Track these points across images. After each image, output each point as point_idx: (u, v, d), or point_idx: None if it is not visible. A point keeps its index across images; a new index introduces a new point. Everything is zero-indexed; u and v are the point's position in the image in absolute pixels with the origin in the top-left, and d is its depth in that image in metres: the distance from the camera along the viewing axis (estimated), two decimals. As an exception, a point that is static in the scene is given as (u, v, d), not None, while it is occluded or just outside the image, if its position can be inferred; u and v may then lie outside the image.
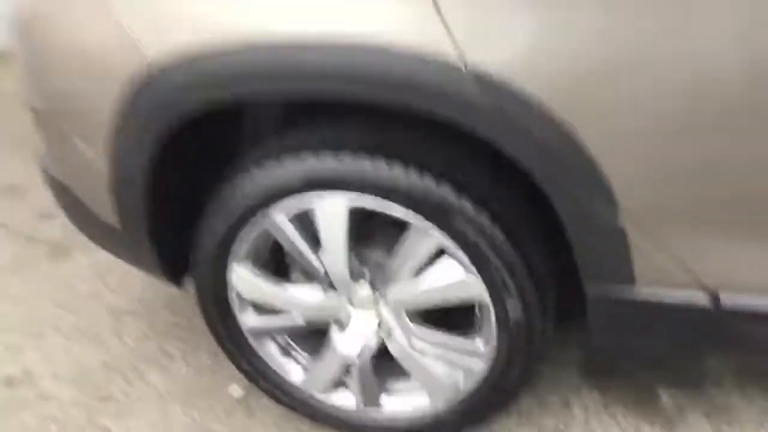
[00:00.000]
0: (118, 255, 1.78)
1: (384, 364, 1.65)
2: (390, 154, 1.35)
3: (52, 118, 1.55)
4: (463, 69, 1.15)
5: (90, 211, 1.62)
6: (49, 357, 2.12)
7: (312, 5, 1.21)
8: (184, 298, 2.25)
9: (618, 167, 1.19)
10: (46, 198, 2.76)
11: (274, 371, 1.69)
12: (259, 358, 1.68)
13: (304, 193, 1.40)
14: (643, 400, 1.73)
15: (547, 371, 1.82)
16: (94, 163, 1.51)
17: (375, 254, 1.52)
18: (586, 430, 1.69)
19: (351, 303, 1.56)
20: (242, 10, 1.23)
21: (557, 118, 1.15)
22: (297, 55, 1.21)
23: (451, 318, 1.57)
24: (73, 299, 2.34)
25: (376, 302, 1.55)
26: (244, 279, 1.56)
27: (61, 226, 2.65)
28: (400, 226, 1.44)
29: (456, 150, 1.38)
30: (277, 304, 1.59)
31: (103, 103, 1.39)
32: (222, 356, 2.00)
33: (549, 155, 1.20)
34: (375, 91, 1.22)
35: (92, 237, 1.79)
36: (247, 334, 1.65)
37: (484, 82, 1.15)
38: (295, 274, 1.64)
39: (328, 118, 1.41)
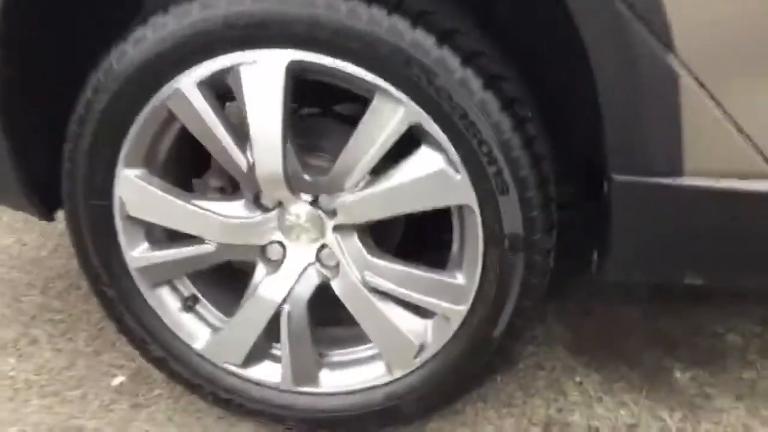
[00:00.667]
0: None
1: (321, 334, 1.23)
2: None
3: None
4: None
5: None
6: None
7: None
8: (63, 277, 1.78)
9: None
10: None
11: (171, 333, 1.23)
12: (152, 312, 1.22)
13: (225, 51, 1.01)
14: (656, 381, 1.34)
15: (529, 351, 1.42)
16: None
17: (318, 161, 1.13)
18: (587, 416, 1.28)
19: (282, 228, 1.15)
20: None
21: None
22: None
23: (416, 253, 1.18)
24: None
25: (315, 224, 1.13)
26: (137, 189, 1.12)
27: None
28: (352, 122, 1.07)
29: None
30: (183, 225, 1.15)
31: None
32: (102, 342, 1.55)
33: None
34: None
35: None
36: (137, 279, 1.20)
37: None
38: (205, 191, 1.22)
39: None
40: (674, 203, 0.98)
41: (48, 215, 1.29)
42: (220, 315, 1.26)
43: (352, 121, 1.06)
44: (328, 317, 1.32)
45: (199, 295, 1.25)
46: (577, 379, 1.36)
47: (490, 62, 1.00)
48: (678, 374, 1.36)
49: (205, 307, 1.26)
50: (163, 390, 1.40)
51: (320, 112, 1.20)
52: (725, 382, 1.34)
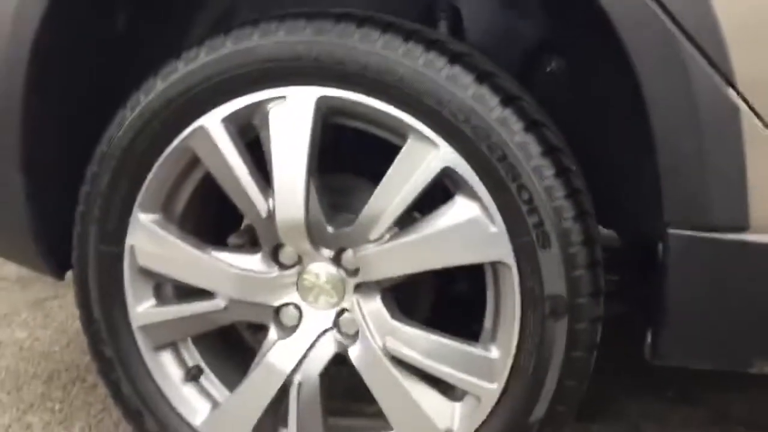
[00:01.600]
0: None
1: (337, 421, 1.10)
2: (383, 25, 0.95)
3: None
4: None
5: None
6: None
7: None
8: (71, 370, 1.67)
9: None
10: None
11: (170, 405, 1.10)
12: (150, 381, 1.11)
13: (251, 90, 0.98)
14: None
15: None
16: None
17: (343, 219, 1.05)
18: None
19: (300, 289, 1.05)
20: None
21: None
22: None
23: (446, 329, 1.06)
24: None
25: (335, 286, 1.04)
26: (151, 235, 1.05)
27: None
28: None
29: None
30: (197, 277, 1.06)
31: None
32: (97, 430, 1.42)
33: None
34: None
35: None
36: (139, 339, 1.10)
37: None
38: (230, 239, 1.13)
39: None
40: (740, 264, 0.87)
41: (59, 274, 1.22)
42: (226, 391, 1.13)
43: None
44: (342, 409, 1.20)
45: (205, 367, 1.14)
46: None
47: (531, 107, 0.94)
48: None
49: (210, 381, 1.14)
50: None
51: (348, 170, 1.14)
52: None
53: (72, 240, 1.12)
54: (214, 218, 1.18)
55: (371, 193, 0.98)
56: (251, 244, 1.11)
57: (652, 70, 0.84)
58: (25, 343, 1.85)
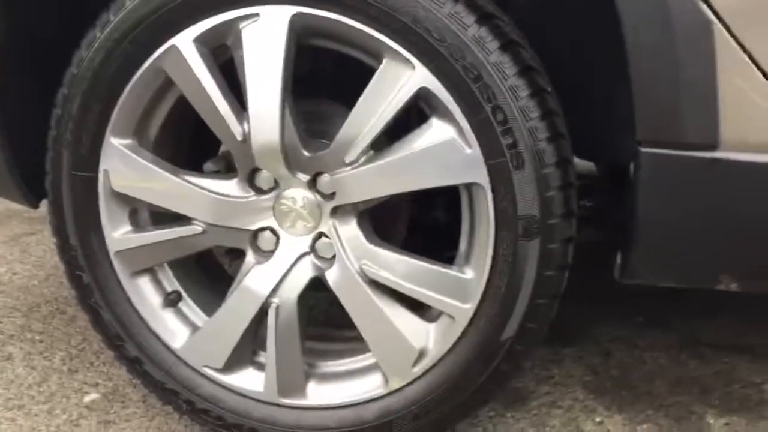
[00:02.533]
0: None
1: (315, 345, 1.12)
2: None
3: None
4: None
5: None
6: None
7: None
8: (50, 302, 1.68)
9: None
10: None
11: (149, 329, 1.11)
12: (129, 306, 1.11)
13: (224, 9, 0.96)
14: (686, 426, 1.18)
15: (544, 390, 1.28)
16: None
17: (318, 145, 1.05)
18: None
19: (278, 214, 1.06)
20: None
21: None
22: None
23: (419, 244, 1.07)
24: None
25: (311, 211, 1.04)
26: (125, 160, 1.05)
27: None
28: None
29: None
30: (172, 202, 1.06)
31: None
32: (78, 362, 1.43)
33: None
34: None
35: None
36: (116, 265, 1.10)
37: None
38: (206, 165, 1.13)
39: None
40: (709, 183, 0.89)
41: (34, 203, 1.22)
42: (205, 316, 1.15)
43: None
44: (321, 335, 1.22)
45: (183, 292, 1.14)
46: (597, 419, 1.21)
47: (508, 27, 0.94)
48: (711, 420, 1.20)
49: (189, 306, 1.14)
50: (138, 409, 1.27)
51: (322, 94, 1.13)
52: (764, 430, 1.18)
53: (45, 167, 1.12)
54: (190, 144, 1.18)
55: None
56: (227, 170, 1.11)
57: None
58: (4, 278, 1.85)
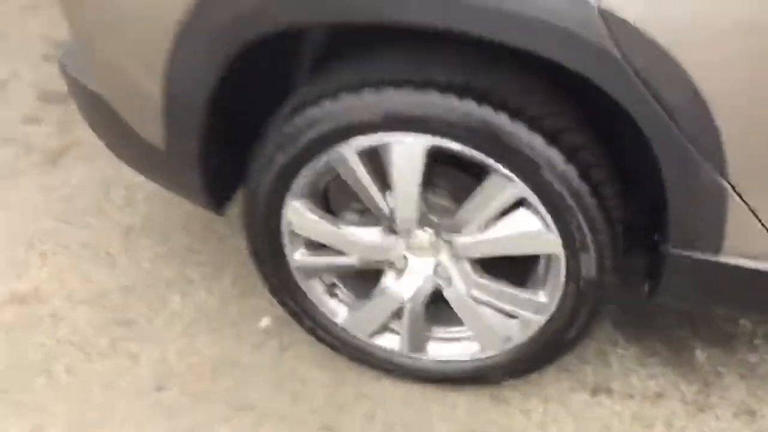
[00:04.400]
0: (153, 176, 1.68)
1: (431, 312, 1.62)
2: (480, 95, 1.27)
3: (100, 32, 1.42)
4: (595, 10, 1.07)
5: (129, 128, 1.51)
6: (58, 275, 2.01)
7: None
8: (198, 219, 2.16)
9: (732, 118, 1.15)
10: (27, 100, 2.64)
11: (319, 310, 1.64)
12: (304, 295, 1.62)
13: (383, 130, 1.32)
14: (681, 358, 1.73)
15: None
16: (145, 80, 1.39)
17: (441, 200, 1.46)
18: (624, 384, 1.69)
19: (408, 247, 1.51)
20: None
21: (680, 67, 1.10)
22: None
23: (509, 267, 1.54)
24: (75, 214, 2.20)
25: (435, 248, 1.50)
26: (301, 215, 1.48)
27: (51, 133, 2.50)
28: (467, 170, 1.39)
29: (548, 96, 1.31)
30: (334, 243, 1.52)
31: (164, 22, 1.28)
32: (246, 286, 1.95)
33: (664, 105, 1.14)
34: (490, 27, 1.13)
35: (123, 155, 1.68)
36: (294, 271, 1.59)
37: (613, 25, 1.07)
38: (346, 214, 1.57)
39: (411, 52, 1.31)
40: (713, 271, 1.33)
41: (218, 211, 1.65)
42: (353, 296, 1.65)
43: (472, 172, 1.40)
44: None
45: (338, 282, 1.65)
46: (619, 351, 1.75)
47: (588, 156, 1.31)
48: (698, 353, 1.74)
49: (342, 291, 1.65)
50: (299, 335, 1.82)
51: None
52: (732, 361, 1.72)
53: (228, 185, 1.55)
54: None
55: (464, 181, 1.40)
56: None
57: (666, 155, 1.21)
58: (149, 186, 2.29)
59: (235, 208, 1.70)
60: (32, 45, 2.93)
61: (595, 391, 1.68)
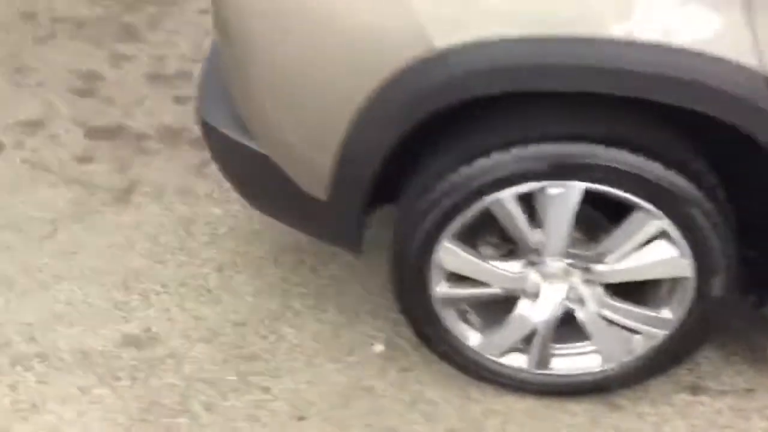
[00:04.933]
0: (304, 225, 1.79)
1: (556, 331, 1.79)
2: (637, 145, 1.45)
3: (277, 111, 1.53)
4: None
5: (289, 180, 1.62)
6: (166, 315, 2.09)
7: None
8: (285, 252, 2.26)
9: None
10: (75, 138, 2.67)
11: (452, 335, 1.79)
12: (441, 323, 1.77)
13: (548, 179, 1.49)
14: (756, 355, 1.95)
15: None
16: (319, 151, 1.52)
17: (575, 233, 1.64)
18: (717, 382, 1.91)
19: (542, 275, 1.68)
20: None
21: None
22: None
23: (630, 286, 1.73)
24: (162, 252, 2.27)
25: (568, 274, 1.67)
26: (453, 254, 1.64)
27: (110, 171, 2.54)
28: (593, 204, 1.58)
29: (695, 142, 1.51)
30: (480, 276, 1.68)
31: (346, 105, 1.41)
32: (351, 314, 2.07)
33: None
34: (662, 89, 1.32)
35: (272, 206, 1.79)
36: (435, 302, 1.73)
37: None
38: (483, 247, 1.73)
39: (577, 108, 1.48)
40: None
41: (359, 251, 1.78)
42: (480, 321, 1.81)
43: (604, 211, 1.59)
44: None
45: (469, 309, 1.80)
46: (704, 352, 1.95)
47: (726, 203, 1.51)
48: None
49: (473, 316, 1.81)
50: (417, 357, 1.96)
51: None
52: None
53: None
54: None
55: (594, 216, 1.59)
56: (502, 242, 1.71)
57: None
58: (227, 221, 2.38)
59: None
60: (60, 78, 2.94)
61: (694, 391, 1.89)
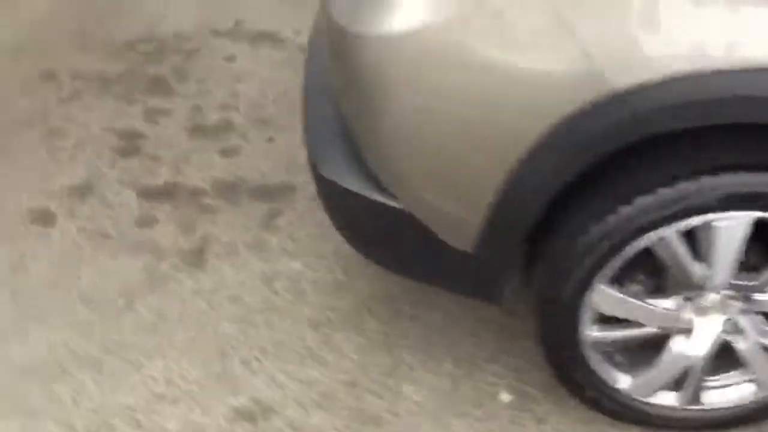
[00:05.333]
0: (432, 278, 1.70)
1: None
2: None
3: (421, 175, 1.46)
4: None
5: (430, 233, 1.53)
6: (273, 382, 1.97)
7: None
8: (378, 303, 2.16)
9: None
10: (128, 200, 2.53)
11: (602, 379, 1.71)
12: (589, 367, 1.69)
13: (716, 211, 1.42)
14: None
15: None
16: (469, 209, 1.44)
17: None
18: None
19: (695, 308, 1.61)
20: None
21: None
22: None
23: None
24: (250, 314, 2.16)
25: (724, 305, 1.60)
26: (608, 296, 1.56)
27: (174, 233, 2.41)
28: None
29: None
30: (638, 317, 1.60)
31: (525, 128, 1.32)
32: (465, 365, 1.98)
33: None
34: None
35: (396, 260, 1.69)
36: (584, 346, 1.65)
37: None
38: (631, 286, 1.65)
39: (749, 136, 1.41)
40: None
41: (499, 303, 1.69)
42: (627, 362, 1.73)
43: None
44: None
45: (613, 350, 1.72)
46: None
47: None
48: None
49: (618, 357, 1.73)
50: (549, 404, 1.87)
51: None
52: None
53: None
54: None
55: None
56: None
57: None
58: (311, 275, 2.27)
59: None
60: (96, 138, 2.77)
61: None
